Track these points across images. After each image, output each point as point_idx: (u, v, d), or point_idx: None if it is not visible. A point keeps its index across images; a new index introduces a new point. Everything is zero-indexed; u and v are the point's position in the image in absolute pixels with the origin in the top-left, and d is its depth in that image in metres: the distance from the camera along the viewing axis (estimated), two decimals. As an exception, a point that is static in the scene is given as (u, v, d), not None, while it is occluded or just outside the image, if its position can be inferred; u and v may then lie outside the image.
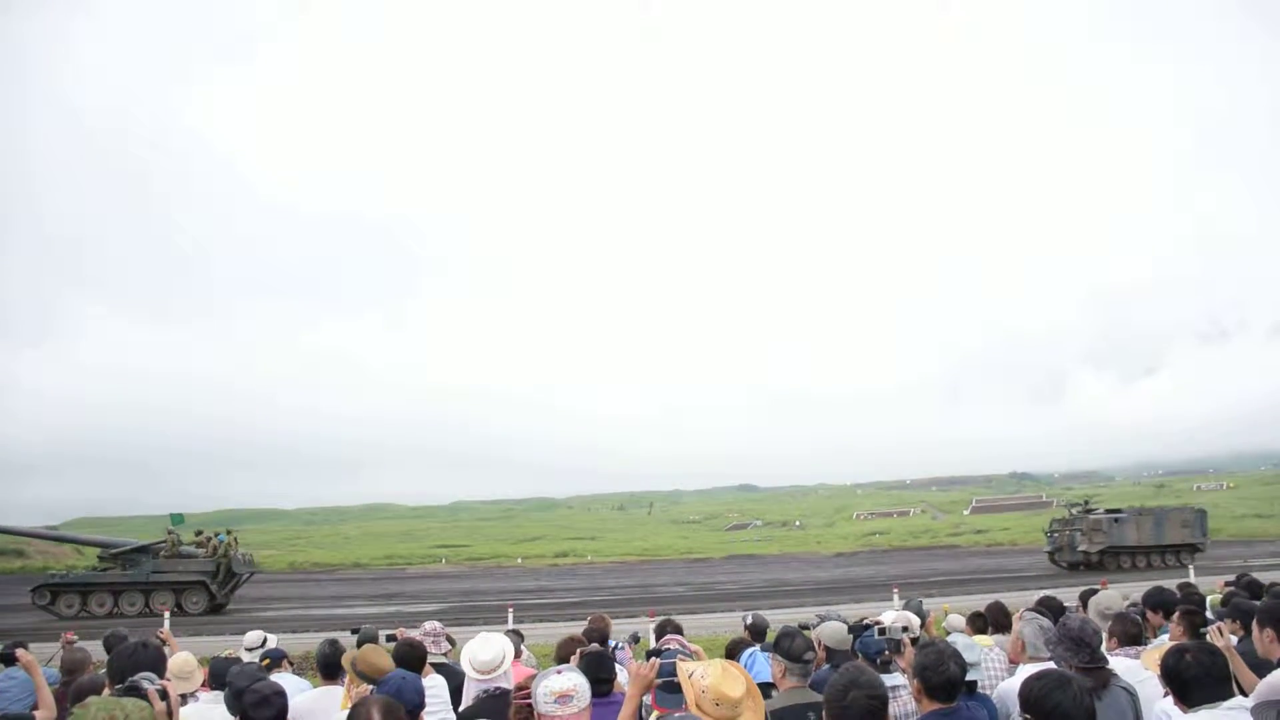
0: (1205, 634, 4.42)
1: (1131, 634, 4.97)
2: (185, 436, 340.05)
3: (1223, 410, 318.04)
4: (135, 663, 3.51)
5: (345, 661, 4.98)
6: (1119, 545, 36.76)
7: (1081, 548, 37.00)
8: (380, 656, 4.70)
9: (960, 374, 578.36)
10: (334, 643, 5.26)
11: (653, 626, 7.92)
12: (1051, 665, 4.04)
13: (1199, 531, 37.65)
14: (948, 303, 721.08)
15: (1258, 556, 36.62)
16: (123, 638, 5.64)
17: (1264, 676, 3.32)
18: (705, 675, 2.95)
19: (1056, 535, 39.16)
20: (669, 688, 3.21)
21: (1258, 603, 5.58)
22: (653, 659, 3.17)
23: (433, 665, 5.38)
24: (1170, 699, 3.31)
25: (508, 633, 5.57)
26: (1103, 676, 3.67)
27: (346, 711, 3.32)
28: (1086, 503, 40.99)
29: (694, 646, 5.36)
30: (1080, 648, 3.77)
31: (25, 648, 5.52)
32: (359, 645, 6.50)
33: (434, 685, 4.91)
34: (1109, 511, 38.94)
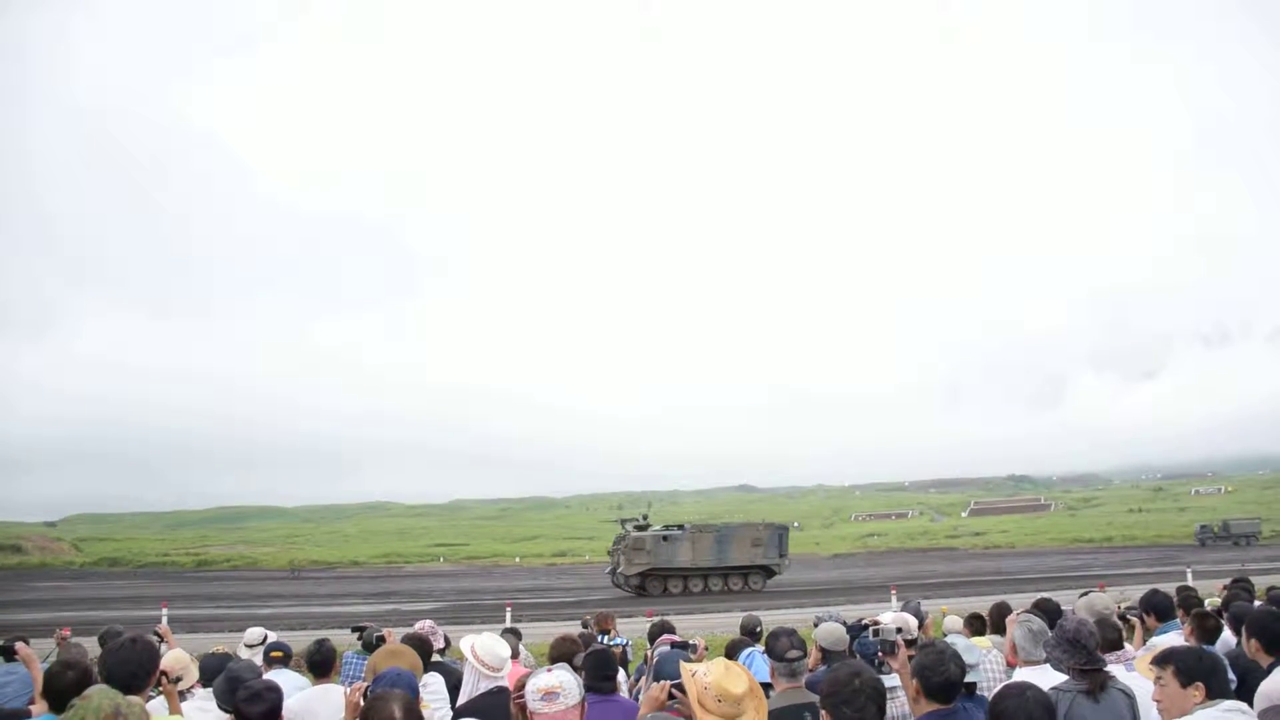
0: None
1: (1110, 639, 4.77)
2: (185, 434, 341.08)
3: (1221, 414, 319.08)
4: (125, 658, 3.48)
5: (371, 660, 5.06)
6: (666, 567, 32.45)
7: (621, 569, 32.84)
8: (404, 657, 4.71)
9: (960, 375, 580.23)
10: (322, 643, 5.25)
11: (648, 627, 7.93)
12: (1046, 668, 4.04)
13: (775, 551, 33.53)
14: (948, 303, 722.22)
15: (1254, 560, 36.63)
16: (117, 634, 5.62)
17: (1257, 681, 3.34)
18: (708, 672, 3.02)
19: (614, 554, 34.49)
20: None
21: (1259, 603, 5.58)
22: (664, 682, 3.17)
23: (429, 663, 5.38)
24: (1156, 707, 3.30)
25: (505, 632, 5.56)
26: (1100, 678, 3.66)
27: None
28: (645, 517, 35.38)
29: (697, 640, 5.35)
30: (1077, 649, 3.76)
31: (26, 643, 5.52)
32: (365, 647, 6.50)
33: (431, 683, 4.91)
34: (667, 528, 34.34)
